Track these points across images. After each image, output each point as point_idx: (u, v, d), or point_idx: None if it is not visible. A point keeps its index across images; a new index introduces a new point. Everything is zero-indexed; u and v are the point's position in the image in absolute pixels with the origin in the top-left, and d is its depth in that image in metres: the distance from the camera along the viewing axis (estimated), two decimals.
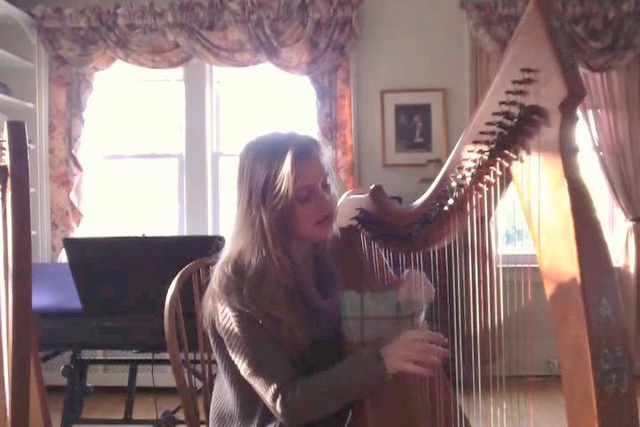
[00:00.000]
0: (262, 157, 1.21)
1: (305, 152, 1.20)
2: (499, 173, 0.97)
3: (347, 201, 1.47)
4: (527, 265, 0.98)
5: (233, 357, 1.21)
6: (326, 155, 1.26)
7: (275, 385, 1.16)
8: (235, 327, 1.19)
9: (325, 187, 1.25)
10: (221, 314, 1.21)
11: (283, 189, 1.18)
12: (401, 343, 1.14)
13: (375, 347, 1.17)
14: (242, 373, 1.20)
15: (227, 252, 1.27)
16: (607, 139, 3.57)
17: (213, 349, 1.30)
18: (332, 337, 1.25)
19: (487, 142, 0.97)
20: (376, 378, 1.14)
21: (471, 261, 1.18)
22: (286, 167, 1.17)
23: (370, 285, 1.36)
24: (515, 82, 0.88)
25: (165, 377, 2.46)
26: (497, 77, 0.92)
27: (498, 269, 1.08)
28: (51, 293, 2.39)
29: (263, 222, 1.20)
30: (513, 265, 1.15)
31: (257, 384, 1.18)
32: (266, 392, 1.17)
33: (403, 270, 1.36)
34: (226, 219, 3.85)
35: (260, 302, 1.19)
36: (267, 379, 1.17)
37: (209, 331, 1.29)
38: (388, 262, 1.42)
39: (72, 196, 3.70)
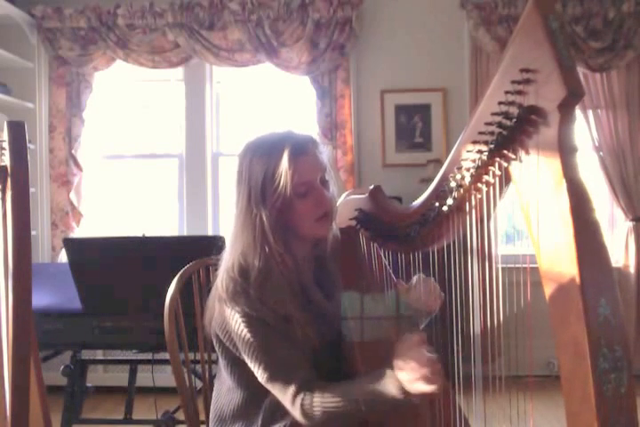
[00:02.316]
0: (260, 155, 1.21)
1: (302, 149, 1.21)
2: (498, 173, 0.97)
3: (346, 201, 1.47)
4: (526, 265, 0.98)
5: (248, 363, 1.20)
6: (325, 153, 1.27)
7: (291, 390, 1.15)
8: (246, 333, 1.18)
9: (324, 183, 1.25)
10: (232, 320, 1.20)
11: (281, 184, 1.18)
12: (412, 365, 1.06)
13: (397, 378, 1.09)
14: (259, 379, 1.19)
15: (228, 255, 1.26)
16: (607, 139, 3.57)
17: (217, 350, 1.29)
18: (335, 338, 1.25)
19: (486, 142, 0.97)
20: (399, 406, 1.10)
21: (470, 262, 1.18)
22: (284, 163, 1.18)
23: (369, 285, 1.36)
24: (514, 82, 0.88)
25: (165, 377, 2.46)
26: (496, 78, 0.93)
27: (497, 269, 1.08)
28: (51, 293, 2.39)
29: (263, 221, 1.20)
30: (512, 265, 1.15)
31: (275, 390, 1.18)
32: (283, 397, 1.16)
33: (403, 271, 1.36)
34: (226, 219, 3.84)
35: (267, 301, 1.19)
36: (283, 383, 1.16)
37: (212, 334, 1.28)
38: (387, 263, 1.42)
39: (72, 196, 3.70)
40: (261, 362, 1.18)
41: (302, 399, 1.14)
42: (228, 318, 1.21)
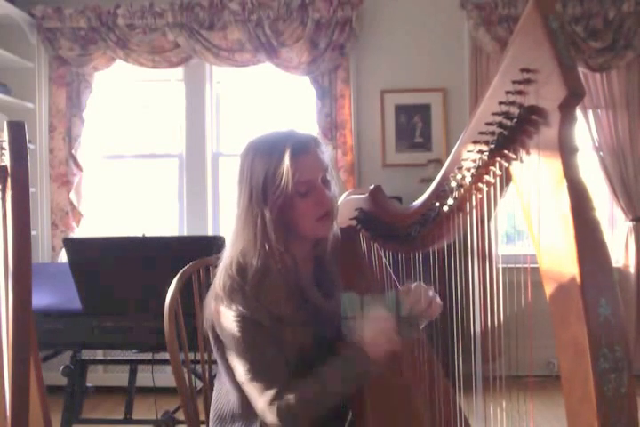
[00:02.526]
0: (261, 153, 1.21)
1: (303, 147, 1.21)
2: (498, 173, 0.97)
3: (346, 201, 1.47)
4: (527, 265, 0.99)
5: (233, 360, 1.21)
6: (327, 153, 1.27)
7: (271, 393, 1.16)
8: (236, 332, 1.19)
9: (325, 183, 1.25)
10: (225, 318, 1.21)
11: (282, 183, 1.18)
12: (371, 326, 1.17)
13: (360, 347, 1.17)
14: (239, 377, 1.20)
15: (228, 253, 1.26)
16: (607, 139, 3.57)
17: (214, 350, 1.30)
18: (332, 338, 1.25)
19: (487, 142, 0.97)
20: (367, 375, 1.17)
21: (471, 262, 1.18)
22: (285, 162, 1.18)
23: (369, 285, 1.36)
24: (514, 82, 0.88)
25: (165, 377, 2.46)
26: (496, 78, 0.93)
27: (498, 269, 1.08)
28: (51, 293, 2.39)
29: (265, 219, 1.20)
30: (513, 265, 1.15)
31: (253, 390, 1.18)
32: (259, 398, 1.17)
33: (403, 271, 1.36)
34: (226, 219, 3.85)
35: (262, 299, 1.19)
36: (264, 385, 1.17)
37: (210, 332, 1.28)
38: (387, 263, 1.42)
39: (72, 196, 3.70)
40: (247, 361, 1.19)
41: (279, 402, 1.15)
42: (223, 315, 1.22)
